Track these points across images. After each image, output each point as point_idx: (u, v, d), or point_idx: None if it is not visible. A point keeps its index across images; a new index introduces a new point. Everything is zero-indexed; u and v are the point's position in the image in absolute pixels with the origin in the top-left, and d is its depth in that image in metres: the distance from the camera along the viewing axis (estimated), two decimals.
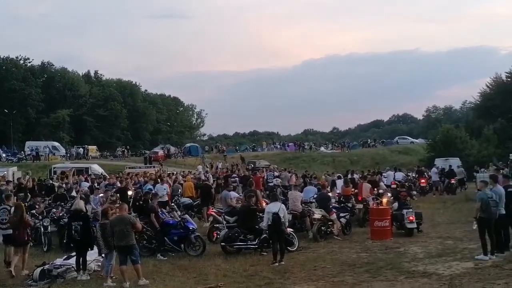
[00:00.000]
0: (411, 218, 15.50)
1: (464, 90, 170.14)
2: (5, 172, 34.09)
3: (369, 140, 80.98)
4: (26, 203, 18.56)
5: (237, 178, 25.96)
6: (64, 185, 21.55)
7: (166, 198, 19.49)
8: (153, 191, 17.76)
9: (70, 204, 16.86)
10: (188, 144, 71.11)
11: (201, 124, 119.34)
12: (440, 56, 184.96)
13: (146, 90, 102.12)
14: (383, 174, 29.08)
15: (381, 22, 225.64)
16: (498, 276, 9.92)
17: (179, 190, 22.13)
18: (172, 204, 18.25)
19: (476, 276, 10.06)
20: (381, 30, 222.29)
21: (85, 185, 22.59)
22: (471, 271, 10.51)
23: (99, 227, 11.25)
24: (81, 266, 11.53)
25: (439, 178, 31.07)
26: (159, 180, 23.60)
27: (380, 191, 19.86)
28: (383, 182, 25.84)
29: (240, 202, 16.49)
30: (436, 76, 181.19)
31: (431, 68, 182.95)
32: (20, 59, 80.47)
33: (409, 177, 31.54)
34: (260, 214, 13.89)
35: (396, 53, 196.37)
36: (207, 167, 40.16)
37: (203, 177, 25.73)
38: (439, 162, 37.87)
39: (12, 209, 12.53)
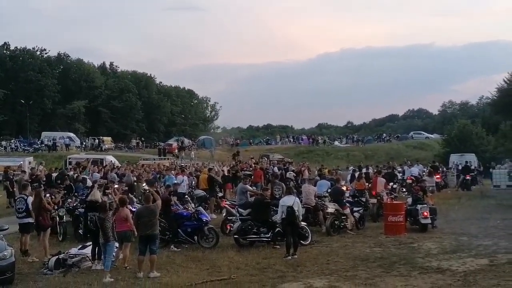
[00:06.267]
0: (425, 213, 15.42)
1: (480, 85, 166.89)
2: (21, 162, 34.58)
3: (384, 134, 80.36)
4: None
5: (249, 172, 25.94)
6: (75, 176, 21.87)
7: (185, 189, 19.73)
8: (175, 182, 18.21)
9: (85, 195, 17.05)
10: (202, 137, 71.22)
11: (215, 117, 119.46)
12: (456, 50, 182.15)
13: (161, 82, 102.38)
14: (395, 169, 28.92)
15: (397, 15, 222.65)
16: None
17: (193, 182, 22.25)
18: (186, 196, 18.36)
19: (491, 272, 9.98)
20: (397, 23, 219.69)
21: (97, 176, 22.71)
22: (485, 267, 10.43)
23: (98, 219, 11.26)
24: (96, 256, 11.67)
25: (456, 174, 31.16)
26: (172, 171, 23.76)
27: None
28: (398, 176, 25.77)
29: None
30: (452, 71, 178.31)
31: (447, 62, 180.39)
32: (37, 50, 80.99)
33: (424, 173, 31.34)
34: (274, 207, 13.90)
35: (411, 47, 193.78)
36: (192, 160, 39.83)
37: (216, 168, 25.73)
38: (455, 158, 37.61)
39: (29, 198, 12.88)
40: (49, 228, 13.19)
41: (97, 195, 13.12)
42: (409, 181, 24.99)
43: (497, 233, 14.44)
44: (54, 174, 22.94)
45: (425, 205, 15.78)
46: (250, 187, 17.56)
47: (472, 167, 33.22)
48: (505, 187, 28.00)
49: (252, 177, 22.56)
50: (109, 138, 66.12)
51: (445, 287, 9.10)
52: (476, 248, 12.48)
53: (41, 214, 12.80)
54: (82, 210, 14.89)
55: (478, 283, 9.28)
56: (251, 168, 27.03)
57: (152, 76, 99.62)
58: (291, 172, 26.83)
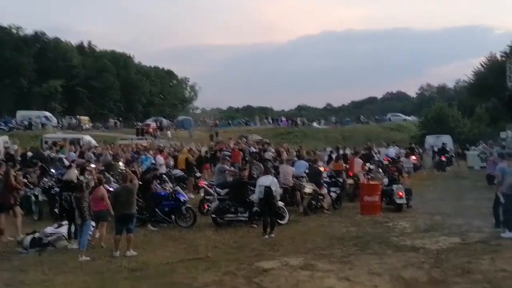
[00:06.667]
0: (400, 193, 15.65)
1: (458, 69, 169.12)
2: None
3: (361, 116, 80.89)
4: (16, 173, 18.62)
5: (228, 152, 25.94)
6: (51, 155, 21.68)
7: (164, 170, 19.67)
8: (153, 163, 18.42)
9: (61, 174, 16.90)
10: (180, 117, 70.75)
11: (194, 98, 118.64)
12: (434, 34, 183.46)
13: (140, 63, 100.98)
14: (373, 150, 29.18)
15: None
16: (484, 252, 10.04)
17: (171, 163, 22.18)
18: (164, 176, 18.32)
19: (463, 251, 10.18)
20: (378, 7, 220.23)
21: (73, 155, 22.46)
22: (457, 246, 10.64)
23: (74, 199, 11.22)
24: (72, 235, 11.61)
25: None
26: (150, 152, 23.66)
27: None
28: (376, 158, 26.04)
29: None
30: (431, 54, 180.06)
31: (426, 46, 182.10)
32: (13, 28, 79.32)
33: (401, 154, 31.69)
34: (251, 187, 13.96)
35: (391, 30, 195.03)
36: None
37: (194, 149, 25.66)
38: (431, 139, 38.05)
39: None
40: (15, 207, 12.85)
41: (72, 174, 13.00)
42: (385, 162, 25.25)
43: (469, 213, 14.69)
44: (30, 154, 22.63)
45: (401, 186, 16.01)
46: (228, 167, 17.60)
47: (448, 149, 33.67)
48: (478, 168, 28.52)
49: (231, 157, 22.58)
50: (87, 118, 65.25)
51: (418, 265, 9.26)
52: (449, 227, 12.71)
53: (4, 192, 12.53)
54: (57, 189, 14.77)
55: (450, 260, 9.47)
56: (230, 149, 27.03)
57: (131, 56, 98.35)
58: (270, 153, 26.89)
